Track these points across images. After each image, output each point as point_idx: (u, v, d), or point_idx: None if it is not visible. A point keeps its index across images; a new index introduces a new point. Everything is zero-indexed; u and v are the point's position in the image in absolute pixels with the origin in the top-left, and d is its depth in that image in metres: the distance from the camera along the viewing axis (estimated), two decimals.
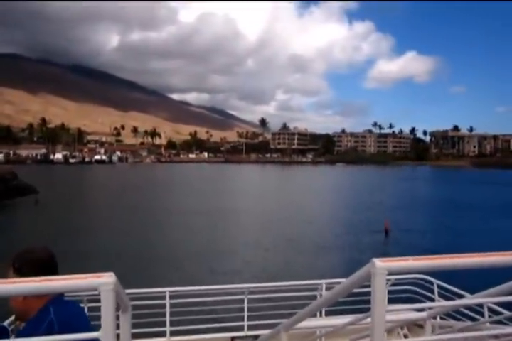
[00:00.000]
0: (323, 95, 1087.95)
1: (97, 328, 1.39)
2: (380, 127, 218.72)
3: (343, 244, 22.06)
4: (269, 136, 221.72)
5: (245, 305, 5.28)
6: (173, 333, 5.11)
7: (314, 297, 5.27)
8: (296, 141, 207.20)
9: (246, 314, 5.30)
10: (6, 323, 3.08)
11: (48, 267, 1.97)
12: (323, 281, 5.46)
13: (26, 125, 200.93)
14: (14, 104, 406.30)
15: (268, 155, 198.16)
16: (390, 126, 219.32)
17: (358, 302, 4.46)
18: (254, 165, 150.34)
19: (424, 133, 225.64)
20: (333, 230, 26.59)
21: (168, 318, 5.00)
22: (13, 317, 3.30)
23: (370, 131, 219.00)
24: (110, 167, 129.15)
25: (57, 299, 1.97)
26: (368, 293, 1.37)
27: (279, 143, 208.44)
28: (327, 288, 5.22)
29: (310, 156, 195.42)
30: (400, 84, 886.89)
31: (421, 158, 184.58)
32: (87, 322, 2.04)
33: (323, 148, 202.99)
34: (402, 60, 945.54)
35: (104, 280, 1.22)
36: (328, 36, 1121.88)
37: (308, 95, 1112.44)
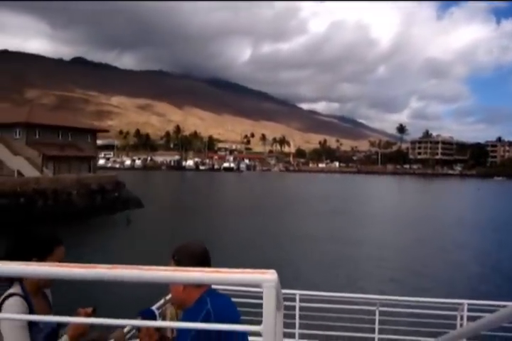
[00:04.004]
0: (464, 101, 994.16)
1: (245, 323, 1.38)
2: None
3: None
4: (404, 146, 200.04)
5: (376, 318, 5.13)
6: (301, 336, 5.18)
7: (452, 317, 5.02)
8: (440, 151, 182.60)
9: (377, 326, 5.14)
10: (154, 307, 3.31)
11: (203, 260, 2.01)
12: (465, 301, 5.00)
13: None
14: (161, 116, 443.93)
15: (407, 166, 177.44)
16: None
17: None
18: (391, 177, 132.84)
19: None
20: None
21: (297, 321, 5.03)
22: (161, 302, 3.73)
23: None
24: (237, 175, 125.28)
25: (212, 291, 2.01)
26: None
27: (419, 153, 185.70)
28: (469, 309, 4.90)
29: (458, 168, 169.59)
30: None
31: None
32: (238, 315, 2.06)
33: (473, 159, 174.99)
34: None
35: (269, 277, 1.21)
36: (471, 37, 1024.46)
37: (446, 102, 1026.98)
